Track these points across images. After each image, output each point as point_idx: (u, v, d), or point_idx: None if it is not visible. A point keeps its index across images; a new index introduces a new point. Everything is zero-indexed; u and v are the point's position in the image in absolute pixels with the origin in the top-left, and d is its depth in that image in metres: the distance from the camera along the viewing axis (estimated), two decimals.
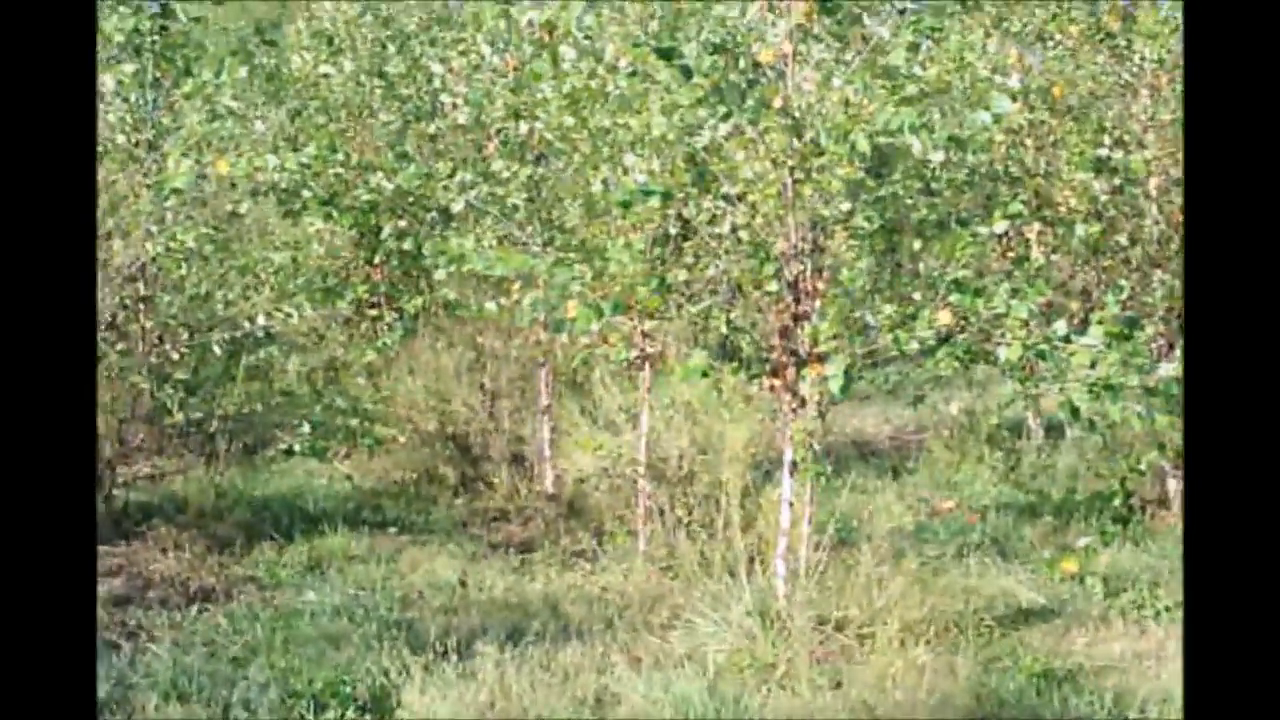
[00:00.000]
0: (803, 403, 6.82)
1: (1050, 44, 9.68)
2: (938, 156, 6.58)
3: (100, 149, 8.44)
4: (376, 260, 10.53)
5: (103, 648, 6.56)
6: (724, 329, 7.58)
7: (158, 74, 8.94)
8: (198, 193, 8.66)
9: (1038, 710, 6.04)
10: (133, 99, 8.89)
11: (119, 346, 8.63)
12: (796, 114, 6.54)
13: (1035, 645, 6.80)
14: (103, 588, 7.46)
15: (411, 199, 8.92)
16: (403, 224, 9.23)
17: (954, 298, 6.48)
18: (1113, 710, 6.05)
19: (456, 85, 9.78)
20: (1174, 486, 9.28)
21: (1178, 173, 8.88)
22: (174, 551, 8.20)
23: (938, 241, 6.90)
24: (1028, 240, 9.38)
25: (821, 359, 6.57)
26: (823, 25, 6.69)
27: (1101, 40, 9.35)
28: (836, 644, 6.57)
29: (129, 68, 8.71)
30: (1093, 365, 6.13)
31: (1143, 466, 8.05)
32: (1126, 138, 9.13)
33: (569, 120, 7.85)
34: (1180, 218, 8.87)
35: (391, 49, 11.52)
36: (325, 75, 11.40)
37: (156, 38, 8.89)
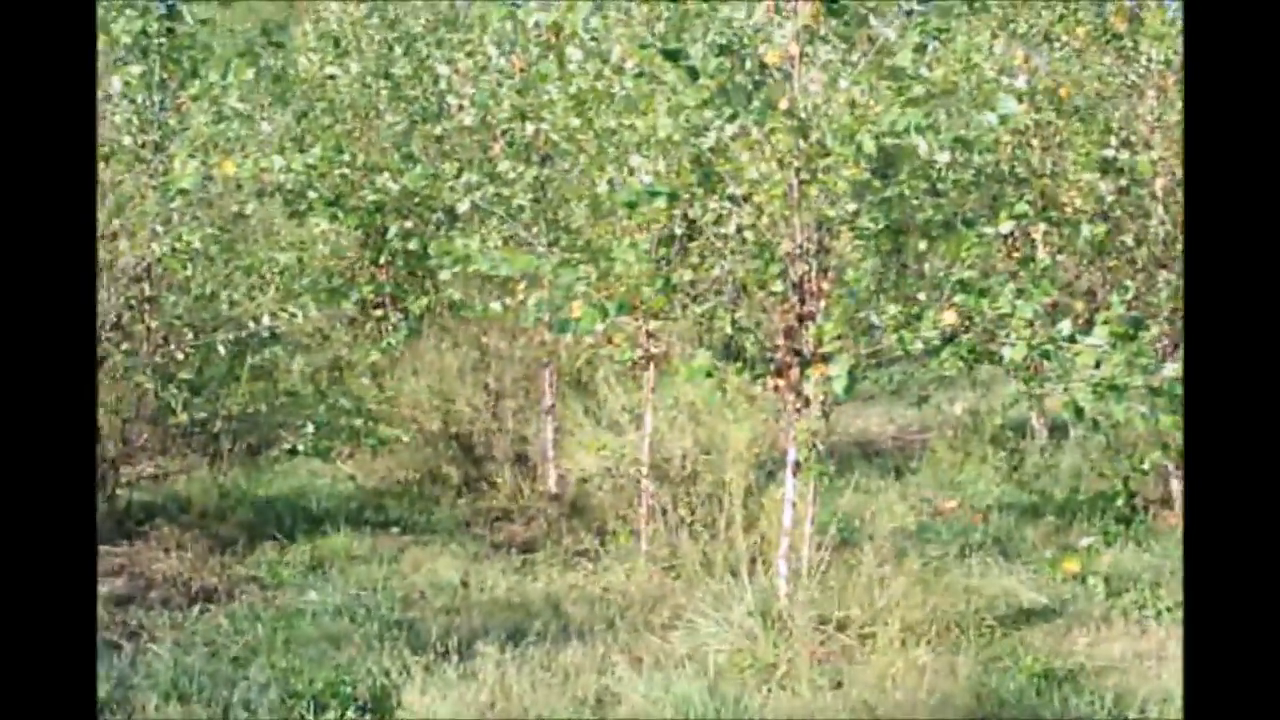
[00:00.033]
0: (806, 403, 6.81)
1: (1057, 45, 9.69)
2: (943, 157, 6.57)
3: (107, 150, 8.46)
4: (382, 261, 10.54)
5: (104, 648, 6.55)
6: (729, 329, 7.59)
7: (164, 75, 8.95)
8: (204, 193, 8.64)
9: (1038, 710, 6.02)
10: (139, 100, 8.90)
11: (124, 346, 8.63)
12: (802, 115, 6.53)
13: (1036, 645, 6.79)
14: (105, 587, 7.47)
15: (417, 200, 8.92)
16: (408, 224, 9.22)
17: (959, 298, 6.47)
18: (1113, 710, 6.03)
19: (463, 86, 9.77)
20: (1177, 487, 9.26)
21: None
22: (176, 551, 8.21)
23: (943, 242, 6.89)
24: (1033, 240, 9.38)
25: (826, 359, 6.56)
26: (829, 26, 6.69)
27: (1108, 41, 9.34)
28: (838, 644, 6.55)
29: (136, 69, 8.74)
30: (1097, 365, 6.12)
31: (1146, 466, 8.05)
32: (1133, 138, 9.12)
33: (575, 121, 7.85)
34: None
35: (398, 50, 11.53)
36: (332, 76, 11.41)
37: (163, 39, 8.90)
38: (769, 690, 6.17)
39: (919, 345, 6.50)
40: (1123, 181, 9.02)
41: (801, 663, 6.28)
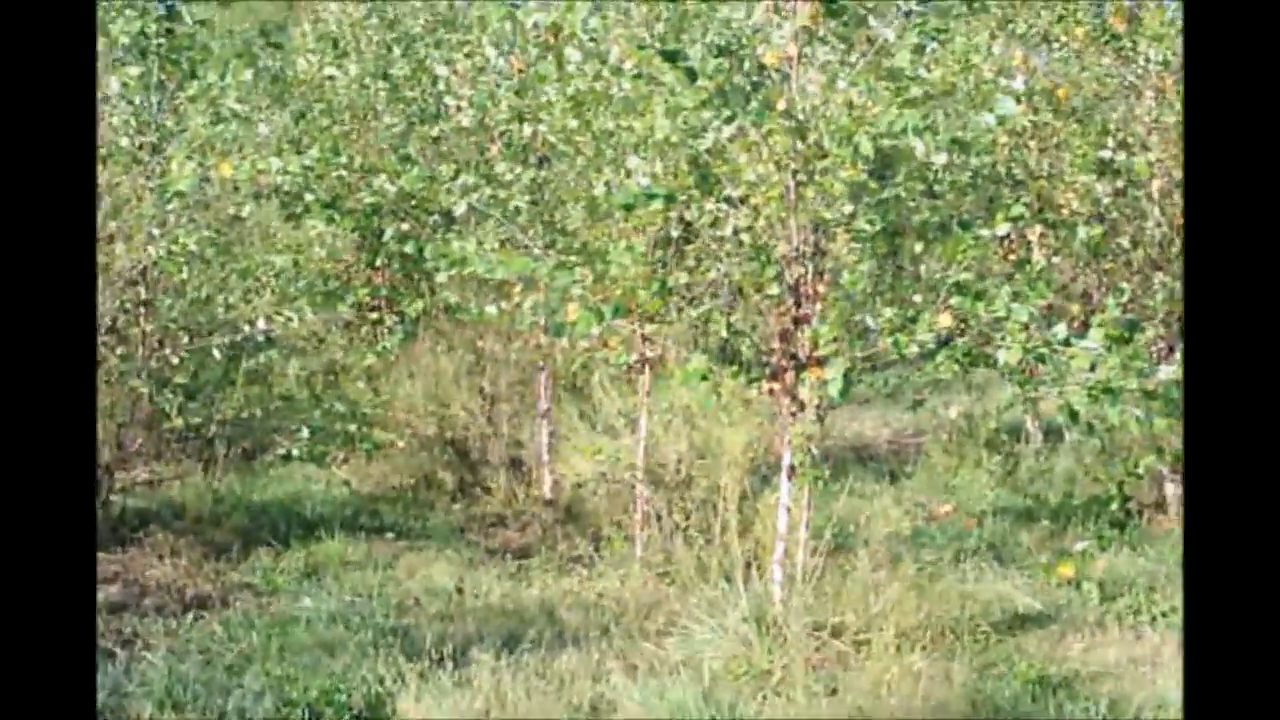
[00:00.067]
0: (802, 406, 6.79)
1: (1055, 46, 9.66)
2: (941, 159, 6.54)
3: (104, 152, 8.43)
4: (378, 263, 10.51)
5: (99, 655, 6.52)
6: (724, 332, 7.56)
7: (163, 76, 8.91)
8: (200, 196, 8.62)
9: (1033, 716, 6.01)
10: (137, 101, 8.86)
11: (119, 350, 8.60)
12: (800, 116, 6.51)
13: (1031, 651, 6.78)
14: (99, 594, 7.43)
15: (414, 202, 8.88)
16: (405, 227, 9.17)
17: (955, 300, 6.45)
18: (1108, 717, 6.02)
19: (461, 87, 9.75)
20: (1171, 491, 9.25)
21: (1180, 175, 8.85)
22: (170, 558, 8.18)
23: (939, 244, 6.86)
24: (1029, 243, 9.35)
25: (821, 362, 6.53)
26: (828, 27, 6.66)
27: (1106, 42, 9.32)
28: (833, 650, 6.53)
29: (134, 70, 8.71)
30: (1092, 368, 6.09)
31: (1140, 471, 8.03)
32: (1130, 140, 9.09)
33: (573, 122, 7.84)
34: (1182, 220, 8.84)
35: (396, 51, 11.52)
36: (330, 78, 11.39)
37: (162, 40, 8.87)
38: (764, 697, 6.15)
39: (914, 349, 6.47)
40: (1119, 183, 9.01)
41: (796, 669, 6.26)
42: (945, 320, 6.42)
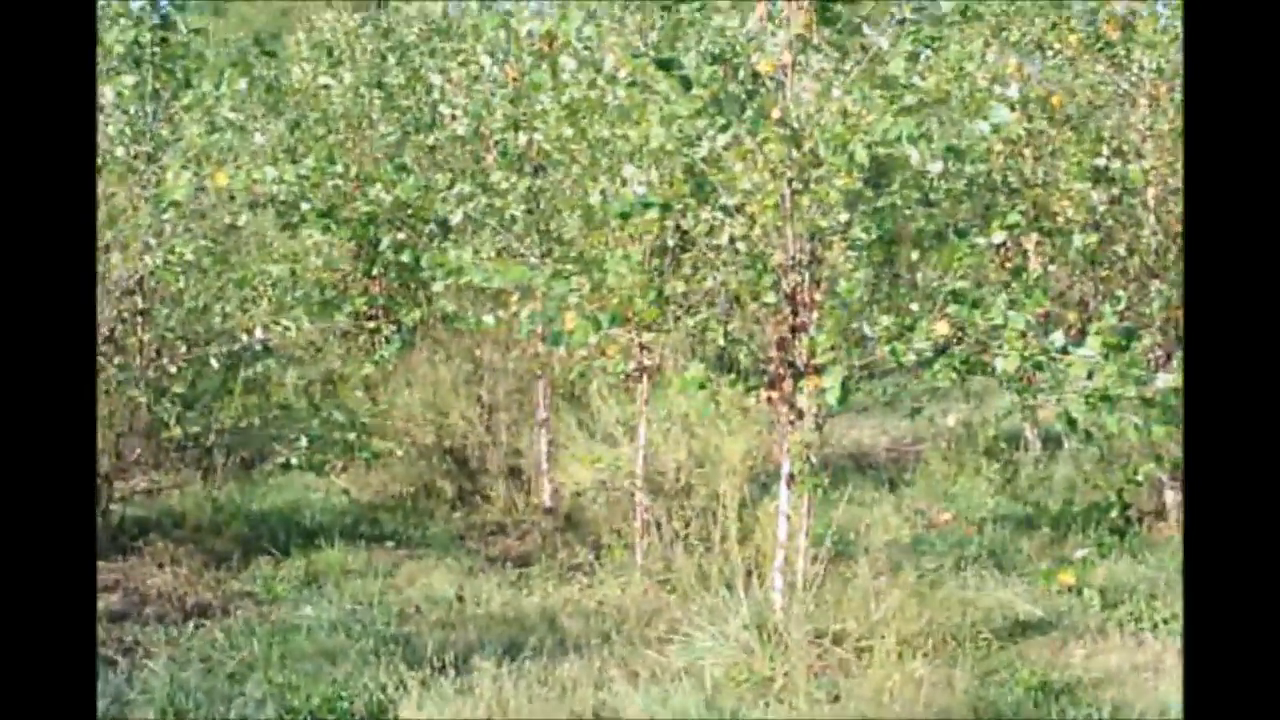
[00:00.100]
0: (800, 415, 6.80)
1: (1049, 53, 9.67)
2: (936, 167, 6.57)
3: (99, 161, 8.42)
4: (374, 273, 10.52)
5: (99, 664, 6.53)
6: (721, 341, 7.58)
7: (158, 86, 8.91)
8: (196, 205, 8.63)
9: None
10: (132, 111, 8.86)
11: (117, 360, 8.60)
12: (795, 124, 6.53)
13: (1033, 658, 6.79)
14: (99, 603, 7.43)
15: (410, 211, 8.89)
16: (401, 236, 9.18)
17: (952, 308, 6.45)
18: None
19: (456, 96, 9.76)
20: (1171, 498, 9.26)
21: (1176, 182, 8.87)
22: (170, 567, 8.17)
23: (935, 252, 6.87)
24: (1025, 251, 9.37)
25: (819, 370, 6.54)
26: (822, 35, 6.68)
27: (1100, 49, 9.33)
28: (834, 657, 6.54)
29: (129, 79, 8.70)
30: (1090, 376, 6.10)
31: (1140, 478, 8.02)
32: (1125, 147, 9.11)
33: (568, 131, 7.84)
34: (1178, 228, 8.86)
35: (391, 60, 11.54)
36: (325, 86, 11.40)
37: (157, 49, 8.86)
38: (766, 704, 6.16)
39: (912, 357, 6.48)
40: (1115, 191, 9.01)
41: (798, 676, 6.27)
42: (942, 328, 6.42)
